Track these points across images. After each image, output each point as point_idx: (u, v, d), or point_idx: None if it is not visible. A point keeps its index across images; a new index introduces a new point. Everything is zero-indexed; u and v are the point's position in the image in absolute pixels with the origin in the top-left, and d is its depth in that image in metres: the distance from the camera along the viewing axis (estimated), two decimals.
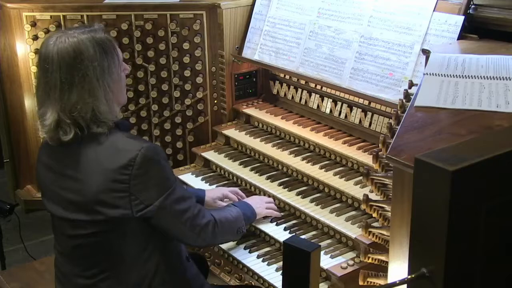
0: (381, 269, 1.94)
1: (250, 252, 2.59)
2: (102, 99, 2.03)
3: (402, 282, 1.43)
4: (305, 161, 2.90)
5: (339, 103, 3.07)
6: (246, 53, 3.40)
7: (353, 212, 2.60)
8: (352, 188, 2.65)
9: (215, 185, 3.00)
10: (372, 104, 2.90)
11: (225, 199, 2.74)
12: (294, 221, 2.69)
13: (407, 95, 2.29)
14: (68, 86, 2.00)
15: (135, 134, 3.52)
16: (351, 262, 2.37)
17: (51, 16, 3.44)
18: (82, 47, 2.01)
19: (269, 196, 2.83)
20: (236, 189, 2.83)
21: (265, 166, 3.03)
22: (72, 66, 2.00)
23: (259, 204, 2.63)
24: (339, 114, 3.06)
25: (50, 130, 2.03)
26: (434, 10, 2.70)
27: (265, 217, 2.68)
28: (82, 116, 2.01)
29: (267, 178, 2.91)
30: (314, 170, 2.81)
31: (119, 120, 2.15)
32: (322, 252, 2.38)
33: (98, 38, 2.05)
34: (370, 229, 2.07)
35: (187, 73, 3.43)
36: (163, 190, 2.06)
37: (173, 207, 2.09)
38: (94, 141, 2.05)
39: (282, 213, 2.73)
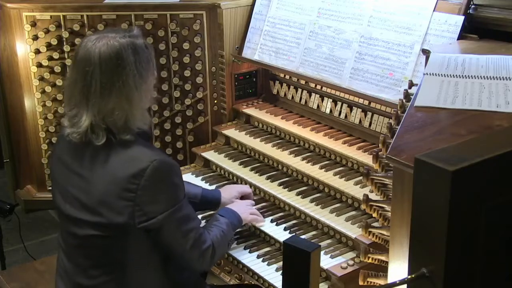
0: (381, 269, 1.94)
1: (250, 252, 2.59)
2: (137, 107, 2.05)
3: (402, 282, 1.44)
4: (305, 161, 2.90)
5: (339, 103, 3.07)
6: (246, 53, 3.40)
7: (353, 212, 2.60)
8: (352, 188, 2.65)
9: (215, 185, 3.00)
10: (372, 104, 2.90)
11: (241, 196, 2.73)
12: (294, 221, 2.69)
13: (407, 95, 2.29)
14: (108, 91, 2.00)
15: None
16: (351, 262, 2.37)
17: (51, 16, 3.44)
18: (124, 54, 2.01)
19: (269, 196, 2.83)
20: (247, 185, 2.83)
21: (265, 166, 3.03)
22: (113, 71, 1.99)
23: (243, 209, 2.60)
24: (339, 114, 3.06)
25: (83, 133, 2.03)
26: (434, 10, 2.70)
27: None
28: (115, 123, 2.02)
29: (267, 178, 2.91)
30: (314, 170, 2.81)
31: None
32: (322, 252, 2.38)
33: (138, 44, 2.05)
34: (370, 229, 2.07)
35: (187, 73, 3.43)
36: (168, 206, 2.05)
37: (176, 225, 2.09)
38: (116, 147, 2.04)
39: (276, 218, 2.70)
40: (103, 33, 2.07)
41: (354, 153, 2.81)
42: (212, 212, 2.70)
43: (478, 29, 2.64)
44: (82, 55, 2.03)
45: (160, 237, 2.09)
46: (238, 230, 2.59)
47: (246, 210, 2.62)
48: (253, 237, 2.69)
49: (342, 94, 3.04)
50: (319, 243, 2.38)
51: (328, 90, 3.11)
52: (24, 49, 3.49)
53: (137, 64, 2.03)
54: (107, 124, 2.02)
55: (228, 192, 2.71)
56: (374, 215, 2.05)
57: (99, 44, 2.01)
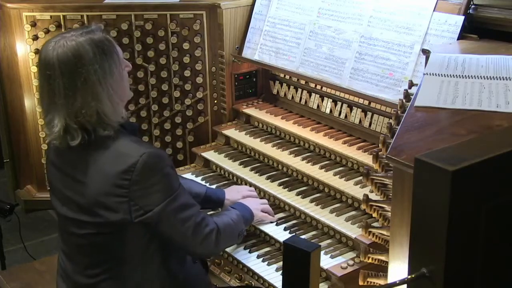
0: (381, 269, 1.94)
1: (250, 252, 2.59)
2: (106, 101, 2.02)
3: (402, 282, 1.43)
4: (305, 161, 2.90)
5: (339, 103, 3.07)
6: (246, 53, 3.40)
7: (353, 212, 2.60)
8: (352, 188, 2.65)
9: (215, 185, 3.00)
10: (372, 104, 2.90)
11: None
12: (294, 221, 2.69)
13: (407, 95, 2.29)
14: (72, 91, 1.99)
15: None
16: (351, 262, 2.37)
17: (51, 16, 3.44)
18: (82, 51, 1.99)
19: (269, 196, 2.83)
20: (252, 188, 2.82)
21: (265, 166, 3.03)
22: (73, 71, 1.98)
23: (255, 205, 2.61)
24: (339, 114, 3.06)
25: (59, 137, 2.03)
26: (434, 10, 2.71)
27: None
28: (88, 120, 2.01)
29: (267, 178, 2.91)
30: (314, 170, 2.81)
31: (126, 122, 2.15)
32: (322, 252, 2.38)
33: (96, 39, 2.03)
34: (370, 229, 2.07)
35: (187, 73, 3.43)
36: (164, 197, 2.05)
37: (174, 215, 2.09)
38: (99, 145, 2.04)
39: (277, 218, 2.70)
40: (62, 34, 2.06)
41: (354, 153, 2.81)
42: (212, 212, 2.70)
43: (478, 29, 2.63)
44: (43, 59, 2.03)
45: (159, 229, 2.09)
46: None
47: (257, 206, 2.63)
48: (253, 237, 2.69)
49: (342, 94, 3.04)
50: (319, 243, 2.38)
51: (328, 90, 3.11)
52: (24, 49, 3.49)
53: (98, 58, 2.01)
54: (80, 123, 2.01)
55: (233, 194, 2.70)
56: (374, 215, 2.05)
57: (56, 46, 2.00)
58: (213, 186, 2.99)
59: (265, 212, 2.67)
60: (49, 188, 3.23)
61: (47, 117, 2.06)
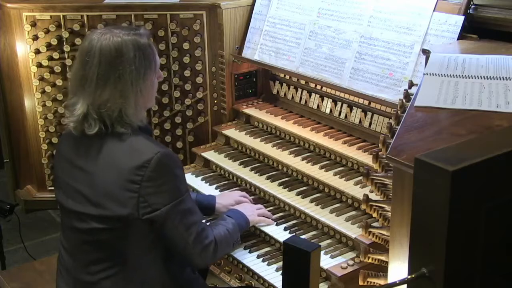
0: (381, 269, 1.94)
1: (250, 252, 2.59)
2: (132, 103, 2.07)
3: (402, 282, 1.44)
4: (305, 161, 2.90)
5: (339, 103, 3.07)
6: (246, 53, 3.40)
7: (353, 212, 2.60)
8: (352, 188, 2.65)
9: (215, 185, 3.00)
10: (372, 104, 2.90)
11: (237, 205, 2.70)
12: (294, 221, 2.69)
13: (407, 95, 2.29)
14: (103, 82, 2.04)
15: None
16: (351, 262, 2.37)
17: (51, 16, 3.44)
18: (124, 49, 2.05)
19: (269, 196, 2.83)
20: (244, 193, 2.80)
21: (265, 166, 3.03)
22: (110, 64, 2.04)
23: (251, 212, 2.60)
24: (339, 114, 3.06)
25: (77, 121, 2.08)
26: (434, 10, 2.71)
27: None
28: (109, 114, 2.05)
29: (267, 178, 2.91)
30: (314, 170, 2.81)
31: (143, 124, 2.18)
32: (322, 252, 2.38)
33: (141, 43, 2.09)
34: (370, 229, 2.07)
35: (187, 73, 3.43)
36: (172, 198, 2.07)
37: (180, 218, 2.10)
38: (114, 139, 2.08)
39: (276, 218, 2.70)
40: (110, 28, 2.13)
41: (354, 153, 2.81)
42: (209, 218, 2.70)
43: (478, 29, 2.64)
44: (85, 46, 2.09)
45: (163, 230, 2.11)
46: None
47: (253, 212, 2.62)
48: (253, 237, 2.69)
49: (342, 94, 3.04)
50: (319, 243, 2.38)
51: (328, 90, 3.11)
52: (24, 49, 3.49)
53: (136, 60, 2.06)
54: (101, 115, 2.06)
55: (224, 199, 2.69)
56: (374, 215, 2.05)
57: (102, 38, 2.07)
58: (213, 186, 3.00)
59: (262, 216, 2.65)
60: (50, 186, 3.25)
61: (72, 99, 2.12)
